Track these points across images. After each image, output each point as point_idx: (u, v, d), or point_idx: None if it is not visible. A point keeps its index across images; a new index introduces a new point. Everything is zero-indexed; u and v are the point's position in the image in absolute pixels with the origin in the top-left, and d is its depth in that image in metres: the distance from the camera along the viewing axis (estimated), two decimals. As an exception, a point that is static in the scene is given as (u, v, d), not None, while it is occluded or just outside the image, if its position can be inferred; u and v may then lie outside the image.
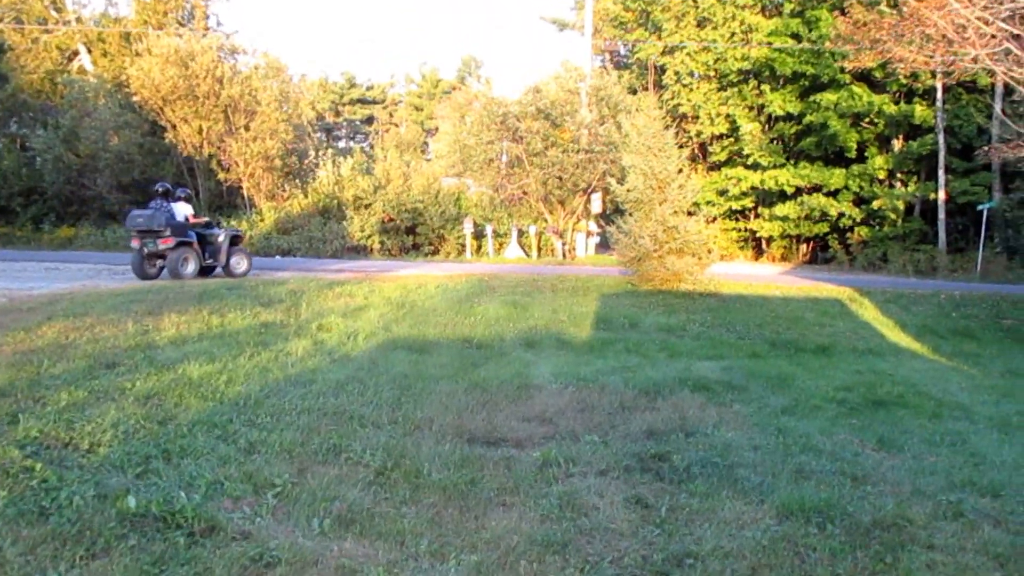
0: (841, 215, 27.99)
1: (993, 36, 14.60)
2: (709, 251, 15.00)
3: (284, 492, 4.50)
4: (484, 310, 12.52)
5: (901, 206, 27.31)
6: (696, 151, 33.16)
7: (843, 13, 22.23)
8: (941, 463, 5.85)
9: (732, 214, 31.91)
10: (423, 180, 26.65)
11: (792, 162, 29.14)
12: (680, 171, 14.75)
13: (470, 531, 4.18)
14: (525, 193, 25.01)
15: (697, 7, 29.90)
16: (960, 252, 26.57)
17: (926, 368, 10.46)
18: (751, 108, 30.40)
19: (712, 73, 30.47)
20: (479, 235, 25.49)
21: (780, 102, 28.71)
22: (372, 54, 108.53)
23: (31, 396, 6.10)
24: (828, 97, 26.89)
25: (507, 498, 4.70)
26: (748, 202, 30.76)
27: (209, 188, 25.91)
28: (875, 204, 27.14)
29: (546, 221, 25.21)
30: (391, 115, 79.84)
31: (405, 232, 25.22)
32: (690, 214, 14.92)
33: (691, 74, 30.87)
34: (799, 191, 28.77)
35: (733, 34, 29.25)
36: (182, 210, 15.51)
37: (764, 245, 31.98)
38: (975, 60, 15.41)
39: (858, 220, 28.03)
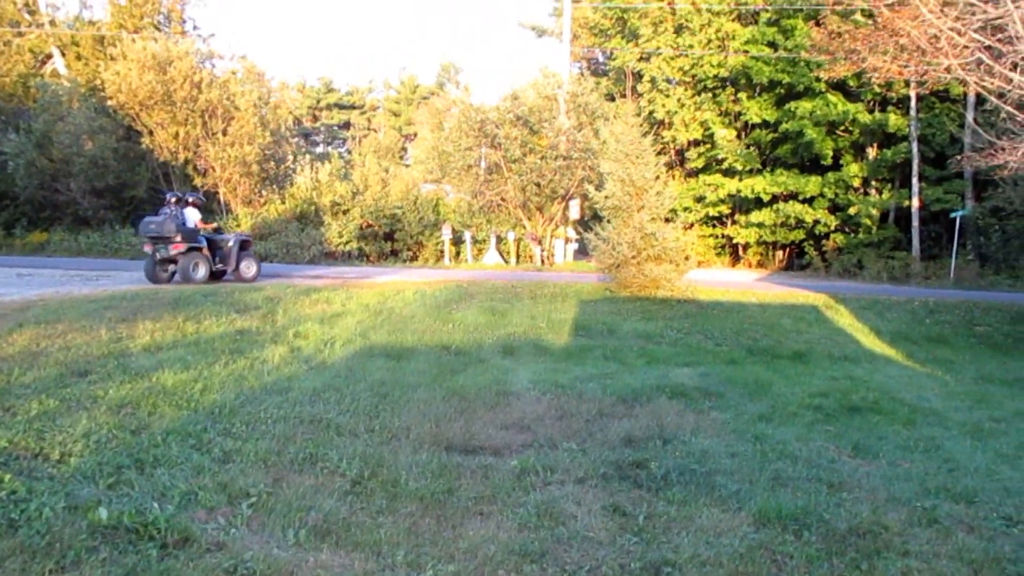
0: (817, 222, 28.22)
1: (966, 47, 14.77)
2: (687, 258, 15.06)
3: (259, 502, 4.45)
4: (462, 317, 12.50)
5: (876, 213, 27.59)
6: (673, 158, 33.33)
7: (818, 24, 22.46)
8: (916, 469, 5.90)
9: (709, 220, 32.08)
10: (401, 186, 26.60)
11: (768, 169, 29.36)
12: (657, 178, 14.80)
13: (447, 541, 4.15)
14: (504, 199, 25.01)
15: (674, 14, 30.09)
16: (933, 259, 26.87)
17: (900, 374, 10.55)
18: (727, 115, 30.62)
19: (688, 79, 30.65)
20: (458, 241, 25.45)
21: (756, 109, 28.94)
22: (351, 59, 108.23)
23: (0, 405, 6.00)
24: (804, 105, 27.13)
25: (485, 507, 4.69)
26: (725, 209, 30.95)
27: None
28: (850, 211, 27.40)
29: (524, 227, 25.22)
30: (369, 120, 79.67)
31: (383, 238, 25.12)
32: (668, 221, 14.99)
33: (668, 80, 31.03)
34: (775, 198, 28.97)
35: (710, 41, 29.45)
36: (192, 216, 15.83)
37: (741, 251, 32.17)
38: (948, 70, 15.58)
39: (833, 227, 28.28)
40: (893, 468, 5.94)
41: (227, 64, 27.07)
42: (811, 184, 27.94)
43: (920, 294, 18.57)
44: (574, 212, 25.21)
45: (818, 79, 25.28)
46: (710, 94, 30.65)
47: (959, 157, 21.07)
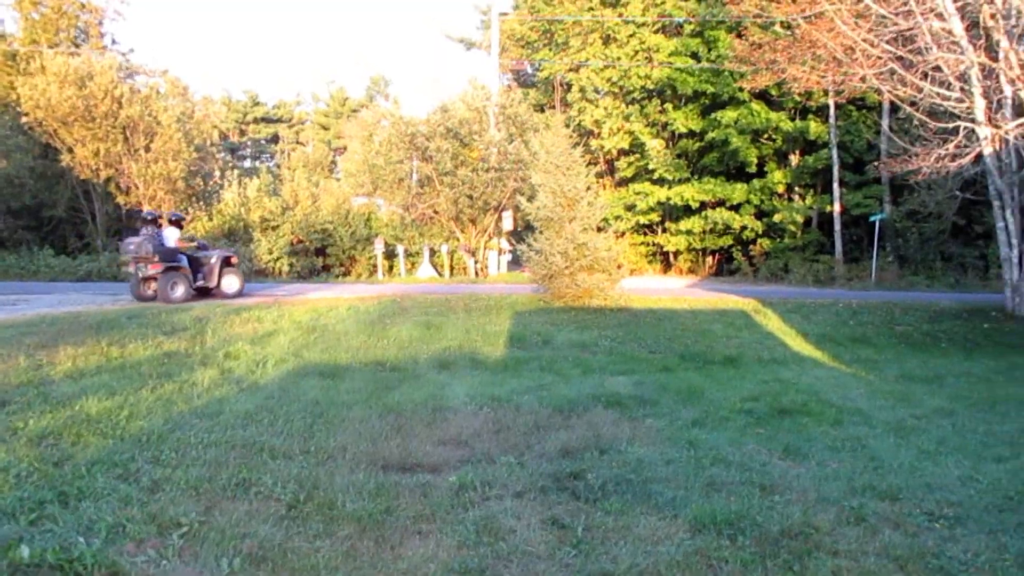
0: (744, 228, 28.93)
1: (879, 57, 15.37)
2: (619, 267, 15.26)
3: (191, 532, 4.33)
4: (397, 332, 12.41)
5: (800, 219, 28.39)
6: (603, 167, 33.76)
7: (740, 36, 23.06)
8: (843, 469, 6.07)
9: (640, 229, 32.58)
10: (332, 201, 26.31)
11: (696, 177, 29.97)
12: (588, 188, 14.97)
13: (386, 562, 4.11)
14: (436, 212, 24.97)
15: (602, 25, 30.54)
16: (856, 261, 27.78)
17: (827, 375, 10.86)
18: (655, 125, 31.17)
19: (617, 90, 31.12)
20: (391, 255, 25.28)
21: (683, 119, 29.56)
22: (278, 72, 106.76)
23: (-89, 441, 5.72)
24: (728, 115, 27.82)
25: (423, 526, 4.65)
26: (655, 217, 31.48)
27: (107, 212, 24.89)
28: (776, 217, 28.15)
29: (458, 240, 25.21)
30: (297, 134, 78.72)
31: (315, 254, 24.80)
32: (599, 230, 15.15)
33: (596, 90, 31.46)
34: (703, 205, 29.60)
35: (636, 52, 29.97)
36: (172, 235, 16.17)
37: (672, 258, 32.74)
38: (863, 79, 16.20)
39: (760, 233, 29.02)
40: (822, 468, 6.09)
41: (149, 79, 26.44)
42: (737, 191, 28.61)
43: (844, 296, 19.15)
44: (507, 223, 25.32)
45: (741, 89, 25.93)
46: (637, 105, 31.18)
47: (876, 163, 21.85)
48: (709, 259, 31.93)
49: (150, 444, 5.95)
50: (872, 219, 25.61)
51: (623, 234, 32.32)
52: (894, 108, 23.45)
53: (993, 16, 14.30)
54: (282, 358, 10.36)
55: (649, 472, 5.77)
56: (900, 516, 4.93)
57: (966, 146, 15.17)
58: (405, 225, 25.37)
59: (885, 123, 25.03)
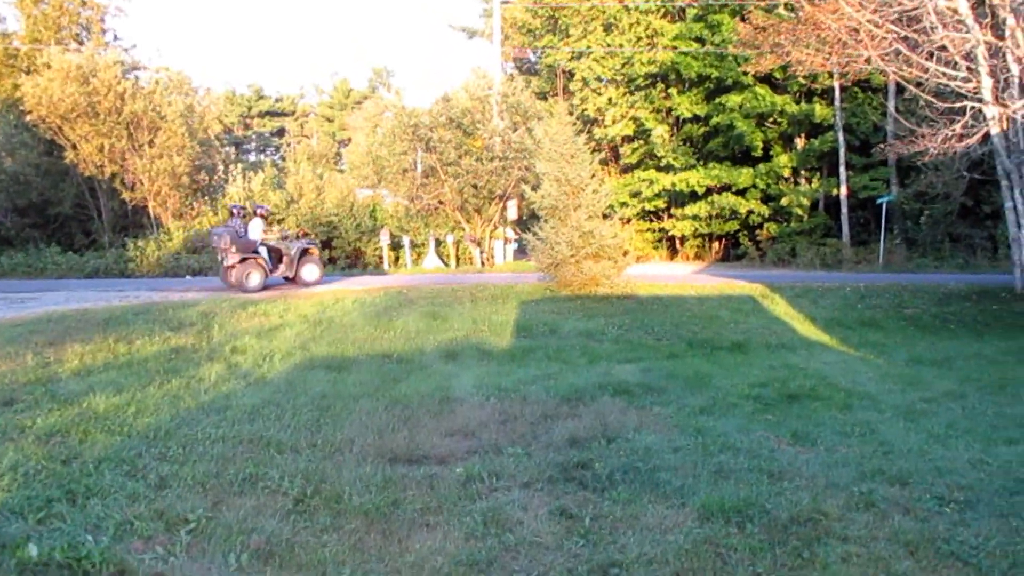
0: (750, 212, 28.80)
1: (884, 38, 15.24)
2: (625, 253, 15.21)
3: (198, 528, 4.33)
4: (403, 323, 12.41)
5: (806, 202, 28.22)
6: (608, 154, 33.64)
7: (743, 19, 22.88)
8: (852, 454, 6.04)
9: (646, 215, 32.47)
10: (337, 193, 26.28)
11: (702, 163, 29.82)
12: (593, 176, 14.90)
13: (393, 555, 4.10)
14: (441, 203, 24.92)
15: (604, 12, 30.37)
16: (863, 244, 27.61)
17: (835, 360, 10.81)
18: (660, 111, 31.01)
19: (620, 77, 30.97)
20: (396, 246, 25.26)
21: (687, 104, 29.40)
22: (282, 65, 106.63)
23: (-80, 441, 5.74)
24: (733, 99, 27.65)
25: (431, 518, 4.64)
26: (661, 203, 31.34)
27: (113, 208, 24.90)
28: (782, 201, 28.00)
29: (463, 230, 25.16)
30: (302, 127, 78.57)
31: (321, 246, 24.77)
32: (605, 218, 15.09)
33: (599, 79, 31.32)
34: (709, 191, 29.46)
35: (639, 39, 29.81)
36: (256, 227, 17.11)
37: (678, 244, 32.62)
38: (868, 61, 16.07)
39: (766, 217, 28.88)
40: (831, 454, 6.07)
41: (151, 74, 26.42)
42: (743, 176, 28.46)
43: (852, 279, 19.05)
44: (512, 212, 25.26)
45: (745, 73, 25.73)
46: (642, 91, 31.01)
47: (882, 145, 21.67)
48: (716, 244, 31.80)
49: (157, 440, 5.97)
50: (879, 201, 25.45)
51: (629, 221, 32.21)
52: (900, 89, 23.23)
53: (999, -6, 14.15)
54: (289, 352, 10.38)
55: (657, 460, 5.75)
56: (910, 501, 4.90)
57: (973, 126, 15.05)
58: (410, 216, 25.34)
59: (891, 105, 24.85)
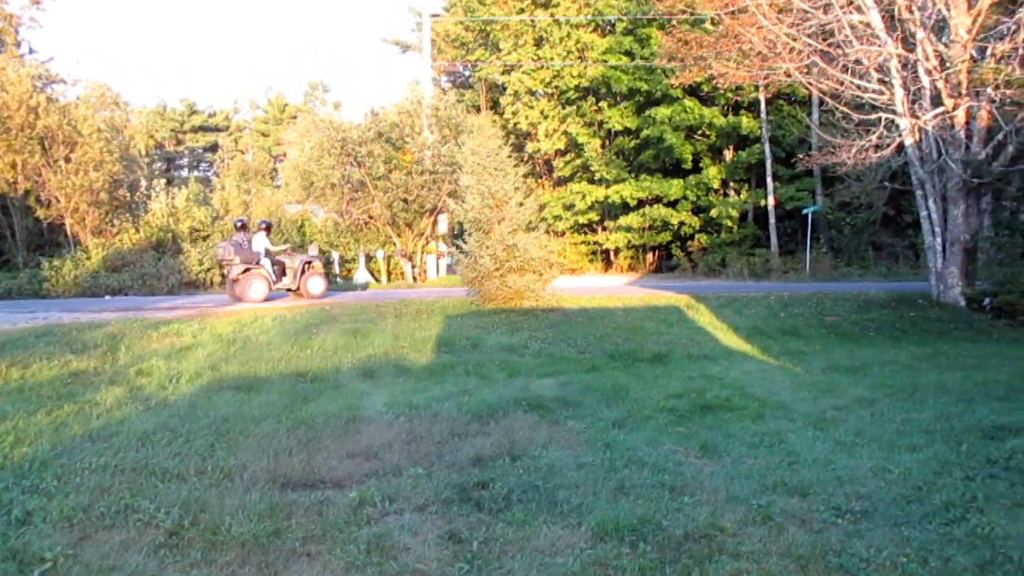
0: (682, 224, 29.10)
1: (801, 51, 15.51)
2: (551, 266, 15.09)
3: (55, 567, 4.03)
4: (322, 341, 12.09)
5: (735, 213, 28.64)
6: (541, 168, 33.73)
7: (668, 33, 23.13)
8: (758, 466, 5.98)
9: (580, 228, 32.59)
10: (264, 208, 25.71)
11: (633, 175, 30.05)
12: (517, 189, 14.78)
13: (264, 590, 3.86)
14: (372, 217, 24.59)
15: (534, 26, 30.48)
16: (791, 254, 28.14)
17: (754, 369, 10.85)
18: (591, 124, 31.19)
19: (551, 91, 31.08)
20: (327, 262, 24.80)
21: (618, 117, 29.64)
22: (215, 80, 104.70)
23: None
24: (662, 111, 27.93)
25: (312, 547, 4.41)
26: (594, 216, 31.49)
27: (27, 226, 23.86)
28: (712, 212, 28.36)
29: (395, 244, 24.86)
30: (236, 142, 77.15)
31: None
32: (531, 230, 14.96)
33: (531, 92, 31.38)
34: (641, 203, 29.69)
35: (569, 52, 29.97)
36: (261, 241, 17.46)
37: (612, 257, 32.80)
38: (788, 74, 16.32)
39: (697, 228, 29.22)
40: (737, 466, 6.00)
41: (69, 88, 25.54)
42: (674, 187, 28.76)
43: (778, 288, 19.28)
44: (443, 226, 25.07)
45: (674, 86, 26.04)
46: (573, 105, 31.16)
47: (801, 156, 22.00)
48: (649, 256, 32.08)
49: (31, 472, 5.60)
50: (805, 212, 25.95)
51: (563, 234, 32.33)
52: (822, 102, 23.79)
53: (909, 8, 14.52)
54: (197, 372, 9.99)
55: (559, 478, 5.61)
56: (808, 513, 4.84)
57: (888, 137, 15.39)
58: (340, 231, 24.92)
59: (815, 116, 25.40)
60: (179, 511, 4.82)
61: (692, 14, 20.87)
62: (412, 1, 38.01)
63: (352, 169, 23.80)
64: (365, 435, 6.96)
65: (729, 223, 28.67)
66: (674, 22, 22.09)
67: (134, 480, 5.49)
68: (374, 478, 5.72)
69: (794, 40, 15.49)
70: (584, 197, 30.22)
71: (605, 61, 29.04)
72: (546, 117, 30.74)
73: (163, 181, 28.65)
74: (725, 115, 28.45)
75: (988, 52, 14.33)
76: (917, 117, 14.94)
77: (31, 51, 29.13)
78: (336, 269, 24.37)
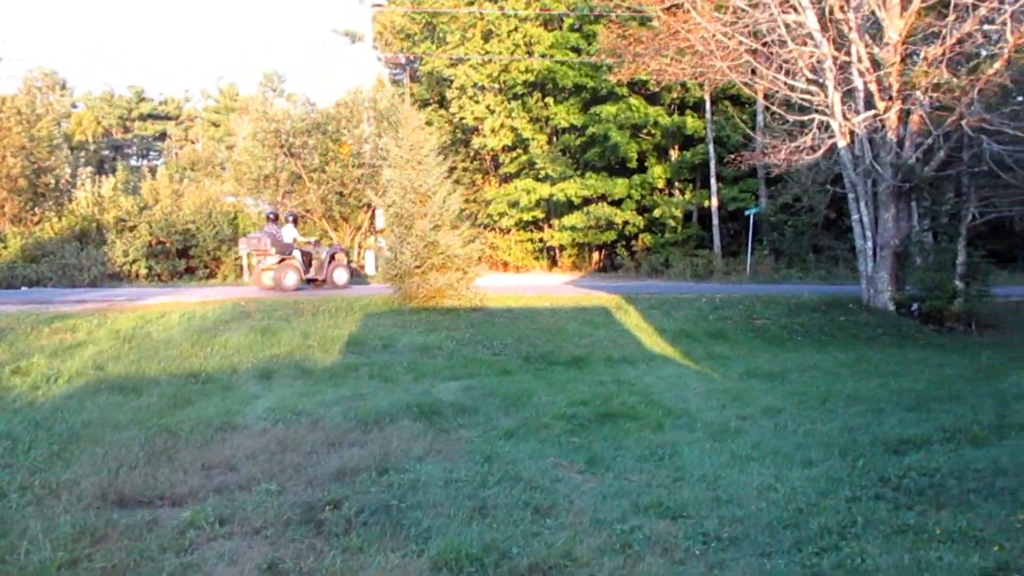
0: (626, 223, 28.76)
1: (734, 50, 15.26)
2: (479, 261, 14.65)
3: None
4: (226, 340, 11.51)
5: (678, 213, 28.42)
6: (488, 164, 33.25)
7: (606, 27, 22.77)
8: (639, 483, 5.60)
9: (525, 225, 32.10)
10: (198, 200, 24.84)
11: (579, 173, 29.68)
12: (443, 183, 14.27)
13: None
14: (308, 211, 23.92)
15: (482, 19, 29.93)
16: (735, 255, 27.96)
17: (671, 374, 10.52)
18: (538, 121, 30.74)
19: (497, 85, 30.60)
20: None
21: (564, 114, 29.25)
22: (167, 68, 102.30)
23: None
24: (608, 109, 27.56)
25: (109, 580, 3.91)
26: (540, 213, 31.05)
27: (-60, 214, 22.86)
28: (655, 212, 28.11)
29: (331, 239, 24.20)
30: (186, 131, 75.47)
31: (177, 255, 23.34)
32: (455, 227, 14.48)
33: (477, 87, 30.85)
34: (587, 201, 29.34)
35: (517, 47, 29.48)
36: (290, 232, 18.36)
37: (557, 255, 32.43)
38: (723, 72, 16.06)
39: (641, 228, 28.93)
40: (617, 483, 5.62)
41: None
42: (619, 186, 28.43)
43: (719, 290, 19.05)
44: (381, 221, 24.45)
45: (620, 83, 25.72)
46: (519, 100, 30.69)
47: (734, 156, 21.63)
48: (595, 255, 31.74)
49: None
50: (747, 213, 25.81)
51: (509, 231, 31.88)
52: (767, 104, 23.64)
53: (843, 8, 14.32)
54: (79, 372, 9.39)
55: (421, 496, 5.17)
56: (673, 540, 4.46)
57: (820, 139, 15.21)
58: (273, 224, 24.19)
59: (759, 118, 25.26)
60: (-27, 535, 4.29)
61: (634, 10, 20.49)
62: (360, -9, 37.18)
63: (287, 161, 23.10)
64: (231, 444, 6.46)
65: (673, 223, 28.45)
66: (614, 16, 21.73)
67: (-59, 497, 4.93)
68: (218, 495, 5.22)
69: (728, 38, 15.22)
70: (529, 194, 29.75)
71: (551, 56, 28.63)
72: (492, 112, 30.21)
73: (89, 169, 27.52)
74: (671, 114, 28.18)
75: (921, 56, 14.21)
76: (848, 119, 14.76)
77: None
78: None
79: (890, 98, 14.28)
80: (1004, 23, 12.72)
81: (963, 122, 13.33)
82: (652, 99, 28.12)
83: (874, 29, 14.83)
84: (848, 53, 14.63)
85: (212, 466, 5.89)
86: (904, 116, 14.54)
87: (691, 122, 27.48)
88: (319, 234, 24.45)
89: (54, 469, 5.61)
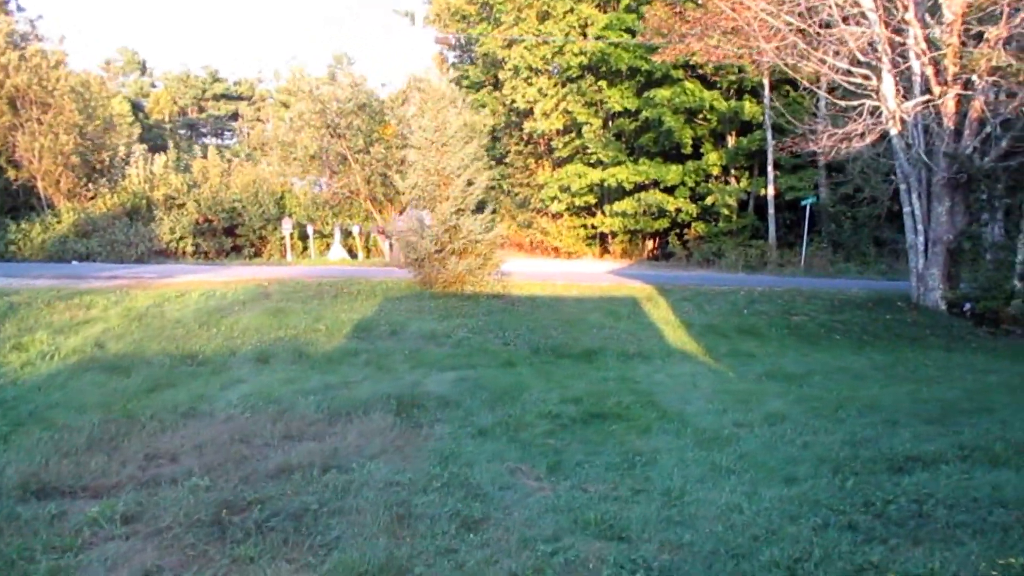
0: (679, 211, 27.96)
1: (779, 30, 14.45)
2: (503, 246, 14.22)
3: None
4: (235, 321, 11.38)
5: (732, 202, 27.43)
6: (542, 148, 32.76)
7: (650, 5, 21.97)
8: (594, 494, 5.15)
9: (577, 211, 31.54)
10: (244, 179, 25.02)
11: (632, 158, 28.95)
12: (467, 167, 13.86)
13: None
14: (352, 192, 23.85)
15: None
16: (790, 247, 26.90)
17: (684, 372, 9.95)
18: (592, 104, 30.08)
19: (551, 68, 30.00)
20: (305, 236, 24.14)
21: (618, 97, 28.50)
22: (242, 49, 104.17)
23: None
24: (662, 93, 26.73)
25: (-20, 581, 3.68)
26: (592, 198, 30.44)
27: (-1, 187, 23.48)
28: (708, 200, 27.21)
29: (375, 220, 24.11)
30: (258, 111, 76.73)
31: (223, 233, 23.60)
32: (478, 212, 14.07)
33: (531, 69, 30.30)
34: (639, 187, 28.61)
35: (571, 28, 28.85)
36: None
37: (609, 241, 31.77)
38: (763, 53, 15.28)
39: (695, 216, 28.06)
40: (571, 494, 5.17)
41: (46, 46, 24.87)
42: (672, 173, 27.62)
43: (767, 282, 18.28)
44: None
45: (675, 66, 24.88)
46: (573, 83, 30.06)
47: (786, 143, 20.60)
48: (648, 243, 30.99)
49: None
50: (803, 203, 24.74)
51: (560, 216, 31.37)
52: (831, 89, 22.51)
53: (899, -13, 13.39)
54: (76, 350, 9.35)
55: (347, 500, 4.82)
56: (598, 565, 4.00)
57: (871, 126, 14.31)
58: (317, 205, 24.22)
59: (822, 104, 24.10)
60: None
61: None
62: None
63: (333, 141, 23.03)
64: (185, 433, 6.24)
65: (727, 212, 27.49)
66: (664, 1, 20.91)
67: None
68: (142, 489, 4.99)
69: (775, 18, 14.40)
70: (580, 179, 29.15)
71: (605, 37, 27.89)
72: (545, 95, 29.67)
73: (143, 146, 28.01)
74: (728, 99, 27.19)
75: (983, 37, 13.19)
76: (900, 105, 13.83)
77: (20, 8, 28.53)
78: (311, 244, 23.70)
79: (946, 82, 13.29)
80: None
81: (1026, 109, 12.34)
82: (708, 83, 27.15)
83: (931, 7, 13.83)
84: (901, 33, 13.68)
85: (154, 456, 5.67)
86: (962, 102, 13.53)
87: (748, 107, 26.44)
88: (364, 216, 24.42)
89: (-9, 454, 5.45)
